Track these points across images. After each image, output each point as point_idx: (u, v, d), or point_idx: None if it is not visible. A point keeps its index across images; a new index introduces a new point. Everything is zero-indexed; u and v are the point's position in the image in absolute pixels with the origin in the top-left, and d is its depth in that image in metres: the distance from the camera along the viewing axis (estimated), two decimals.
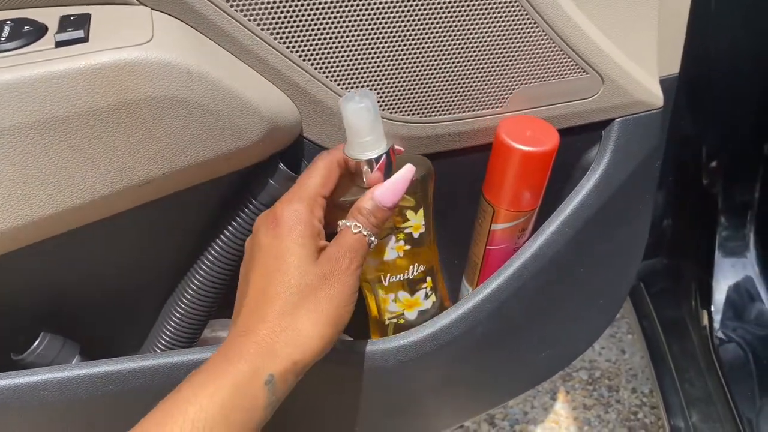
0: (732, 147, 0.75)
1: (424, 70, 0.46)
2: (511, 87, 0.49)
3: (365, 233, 0.43)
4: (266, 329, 0.39)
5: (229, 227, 0.49)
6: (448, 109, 0.49)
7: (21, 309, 0.48)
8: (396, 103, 0.47)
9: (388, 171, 0.44)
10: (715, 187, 0.76)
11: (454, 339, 0.53)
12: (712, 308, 0.79)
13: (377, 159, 0.43)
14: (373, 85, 0.45)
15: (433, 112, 0.48)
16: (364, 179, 0.44)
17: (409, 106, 0.47)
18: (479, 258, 0.58)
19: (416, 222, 0.50)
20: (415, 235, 0.50)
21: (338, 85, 0.44)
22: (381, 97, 0.46)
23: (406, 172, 0.44)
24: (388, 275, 0.51)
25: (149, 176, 0.40)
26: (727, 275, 0.79)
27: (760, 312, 0.78)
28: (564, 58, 0.49)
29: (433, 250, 0.53)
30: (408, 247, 0.50)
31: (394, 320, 0.54)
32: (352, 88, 0.45)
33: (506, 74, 0.48)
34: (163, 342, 0.54)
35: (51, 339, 0.51)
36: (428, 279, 0.53)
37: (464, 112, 0.49)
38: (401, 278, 0.51)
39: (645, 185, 0.59)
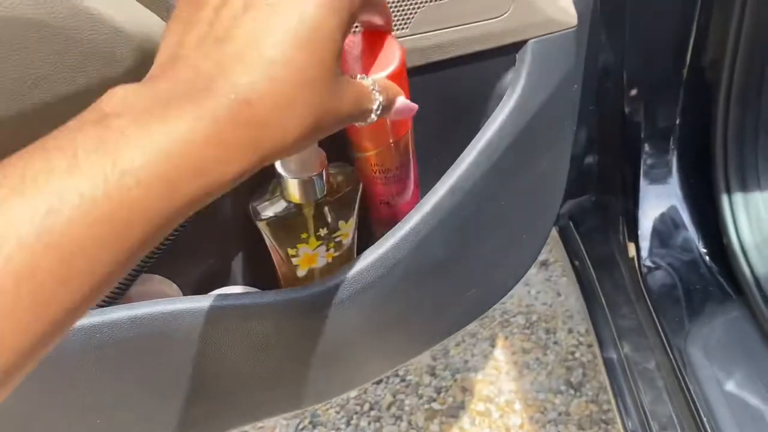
0: (652, 73, 0.74)
1: None
2: (415, 6, 0.46)
3: (378, 98, 0.34)
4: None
5: None
6: None
7: None
8: None
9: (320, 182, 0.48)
10: (638, 115, 0.75)
11: (373, 282, 0.51)
12: (639, 239, 0.79)
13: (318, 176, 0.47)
14: None
15: None
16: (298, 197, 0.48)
17: None
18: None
19: (346, 231, 0.53)
20: (344, 242, 0.53)
21: None
22: None
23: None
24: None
25: (3, 113, 0.35)
26: (653, 204, 0.79)
27: (685, 238, 0.78)
28: None
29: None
30: (336, 254, 0.54)
31: None
32: None
33: None
34: None
35: None
36: None
37: None
38: None
39: (563, 110, 0.57)
